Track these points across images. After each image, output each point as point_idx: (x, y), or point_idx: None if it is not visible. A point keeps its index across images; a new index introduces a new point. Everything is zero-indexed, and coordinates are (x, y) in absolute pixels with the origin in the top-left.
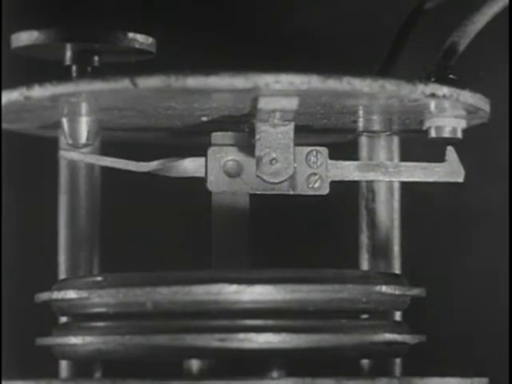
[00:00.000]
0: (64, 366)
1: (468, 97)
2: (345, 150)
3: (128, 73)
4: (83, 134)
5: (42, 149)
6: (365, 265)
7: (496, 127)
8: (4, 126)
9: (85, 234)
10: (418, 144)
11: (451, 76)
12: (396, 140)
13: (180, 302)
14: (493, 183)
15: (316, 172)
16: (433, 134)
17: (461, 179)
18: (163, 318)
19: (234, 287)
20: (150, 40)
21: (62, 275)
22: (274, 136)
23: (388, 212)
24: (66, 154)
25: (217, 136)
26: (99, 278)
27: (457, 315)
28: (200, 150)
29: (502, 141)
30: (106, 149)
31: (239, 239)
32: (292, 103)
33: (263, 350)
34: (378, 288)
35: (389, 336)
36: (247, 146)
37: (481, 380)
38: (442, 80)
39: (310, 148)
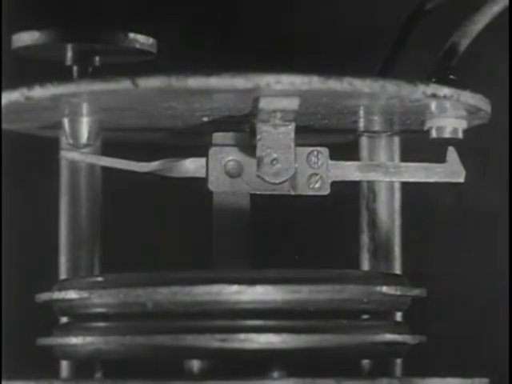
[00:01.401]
0: (64, 366)
1: (469, 97)
2: (346, 150)
3: (129, 73)
4: (84, 134)
5: (43, 149)
6: (366, 265)
7: (496, 127)
8: (4, 125)
9: (85, 234)
10: (420, 144)
11: (452, 76)
12: (397, 140)
13: (181, 302)
14: (493, 183)
15: (317, 172)
16: (434, 134)
17: (461, 179)
18: (164, 319)
19: (234, 287)
20: (151, 40)
21: (63, 275)
22: (275, 136)
23: (389, 212)
24: (67, 155)
25: (218, 136)
26: (100, 279)
27: (457, 315)
28: (201, 151)
29: (502, 141)
30: (106, 149)
31: (240, 239)
32: (293, 103)
33: (264, 351)
34: (378, 288)
35: (389, 336)
36: (248, 147)
37: (481, 380)
38: (443, 80)
39: (310, 148)
